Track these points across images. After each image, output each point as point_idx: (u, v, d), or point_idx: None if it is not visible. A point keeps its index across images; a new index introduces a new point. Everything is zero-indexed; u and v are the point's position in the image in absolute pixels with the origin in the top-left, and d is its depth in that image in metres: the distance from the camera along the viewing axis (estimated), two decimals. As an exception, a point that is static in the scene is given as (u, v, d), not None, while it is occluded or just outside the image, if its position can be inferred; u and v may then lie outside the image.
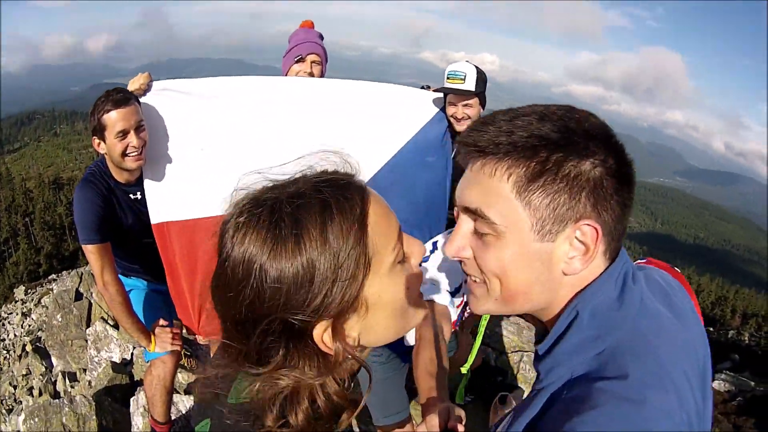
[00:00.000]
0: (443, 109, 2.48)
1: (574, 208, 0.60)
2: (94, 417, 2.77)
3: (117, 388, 3.26)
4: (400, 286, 0.63)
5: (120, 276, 2.13)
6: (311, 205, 0.57)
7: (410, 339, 2.05)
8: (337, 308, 0.57)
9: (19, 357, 5.50)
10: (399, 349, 2.12)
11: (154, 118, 2.04)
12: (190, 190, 2.06)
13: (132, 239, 2.14)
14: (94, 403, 2.84)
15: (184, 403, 2.90)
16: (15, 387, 4.68)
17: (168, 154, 2.09)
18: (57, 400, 2.89)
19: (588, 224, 0.60)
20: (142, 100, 2.00)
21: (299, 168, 0.63)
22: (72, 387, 3.83)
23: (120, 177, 2.02)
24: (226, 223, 0.60)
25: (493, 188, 0.62)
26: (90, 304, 4.63)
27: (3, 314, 8.87)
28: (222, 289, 0.59)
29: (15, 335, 7.28)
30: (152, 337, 2.15)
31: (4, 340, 7.27)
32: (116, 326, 3.92)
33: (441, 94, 2.48)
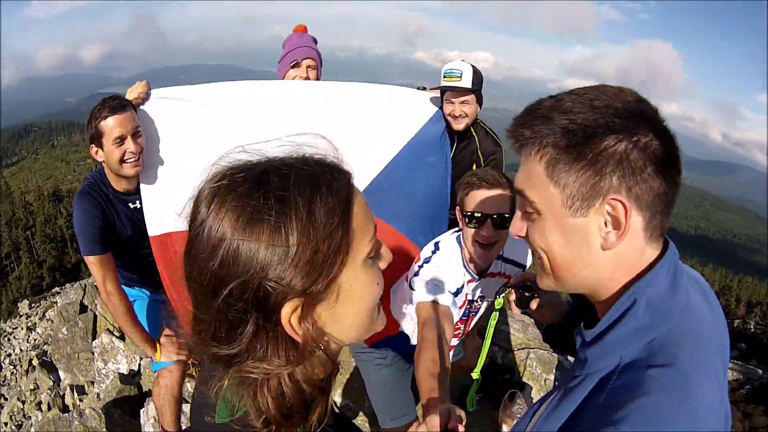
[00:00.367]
0: (440, 109, 2.49)
1: (600, 184, 0.63)
2: (104, 430, 2.78)
3: (126, 400, 3.26)
4: (372, 281, 0.63)
5: (123, 286, 2.13)
6: (300, 176, 0.55)
7: (415, 340, 2.05)
8: (311, 286, 0.55)
9: (26, 372, 5.49)
10: (404, 350, 2.11)
11: (154, 127, 2.04)
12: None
13: (131, 248, 2.15)
14: (103, 416, 2.85)
15: (193, 412, 2.90)
16: (23, 402, 4.68)
17: (170, 163, 2.09)
18: (66, 414, 2.89)
19: (615, 199, 0.63)
20: (141, 108, 2.01)
21: (285, 148, 0.61)
22: (81, 400, 3.83)
23: (118, 186, 2.03)
24: (202, 190, 0.57)
25: (532, 171, 0.68)
26: (95, 316, 4.63)
27: (8, 329, 8.86)
28: (195, 256, 0.56)
29: (21, 350, 7.27)
30: (158, 346, 2.16)
31: (10, 355, 7.25)
32: (122, 337, 3.93)
33: (437, 94, 2.50)
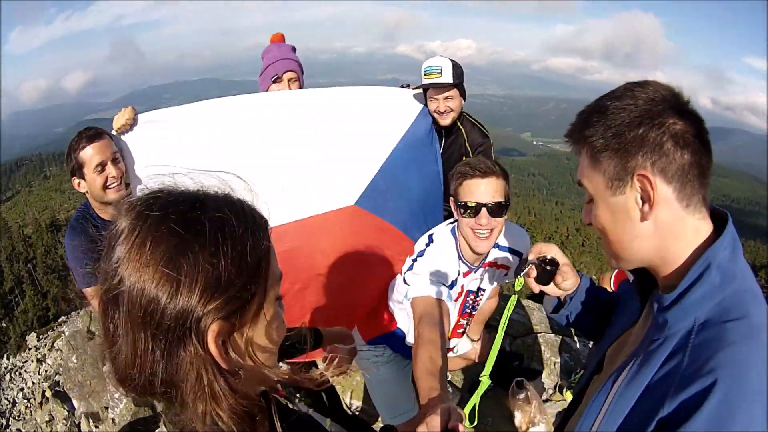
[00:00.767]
0: (425, 106, 2.50)
1: (629, 164, 0.76)
2: (122, 453, 2.79)
3: (141, 422, 3.28)
4: (281, 317, 0.66)
5: None
6: (226, 219, 0.59)
7: (411, 338, 2.04)
8: (233, 313, 0.58)
9: (40, 404, 5.50)
10: (402, 346, 2.11)
11: (144, 150, 2.04)
12: None
13: None
14: (120, 440, 2.86)
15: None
16: (40, 434, 4.69)
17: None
18: (83, 442, 2.90)
19: (641, 174, 0.75)
20: (129, 134, 2.01)
21: (198, 183, 0.65)
22: (96, 427, 3.85)
23: (105, 214, 2.04)
24: (119, 228, 0.61)
25: (583, 165, 0.84)
26: (103, 342, 4.63)
27: (18, 363, 8.85)
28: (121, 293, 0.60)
29: (33, 383, 7.26)
30: None
31: (23, 389, 7.25)
32: (132, 361, 3.93)
33: (421, 91, 2.50)
